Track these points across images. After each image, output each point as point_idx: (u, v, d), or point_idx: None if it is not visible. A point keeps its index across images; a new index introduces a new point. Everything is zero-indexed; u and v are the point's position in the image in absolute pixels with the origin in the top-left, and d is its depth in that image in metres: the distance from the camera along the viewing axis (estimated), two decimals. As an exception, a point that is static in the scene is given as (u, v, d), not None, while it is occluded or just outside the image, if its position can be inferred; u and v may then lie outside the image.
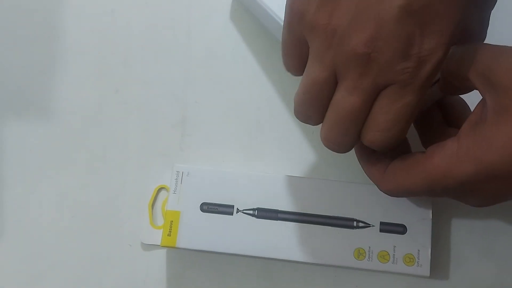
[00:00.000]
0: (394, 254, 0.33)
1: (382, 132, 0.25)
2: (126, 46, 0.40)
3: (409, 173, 0.26)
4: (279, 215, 0.34)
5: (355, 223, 0.34)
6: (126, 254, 0.37)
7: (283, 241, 0.34)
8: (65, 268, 0.37)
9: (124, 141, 0.39)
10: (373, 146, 0.26)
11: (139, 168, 0.38)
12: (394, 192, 0.28)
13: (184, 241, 0.34)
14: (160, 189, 0.38)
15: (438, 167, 0.25)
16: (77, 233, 0.38)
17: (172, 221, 0.34)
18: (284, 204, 0.34)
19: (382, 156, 0.29)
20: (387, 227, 0.34)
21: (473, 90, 0.26)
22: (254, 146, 0.39)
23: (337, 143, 0.27)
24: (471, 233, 0.37)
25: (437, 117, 0.31)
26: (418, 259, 0.33)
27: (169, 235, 0.34)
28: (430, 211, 0.34)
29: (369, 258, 0.33)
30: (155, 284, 0.37)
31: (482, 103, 0.25)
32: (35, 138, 0.39)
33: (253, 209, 0.34)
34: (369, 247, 0.34)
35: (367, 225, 0.34)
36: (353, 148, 0.29)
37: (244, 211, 0.34)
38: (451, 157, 0.24)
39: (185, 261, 0.37)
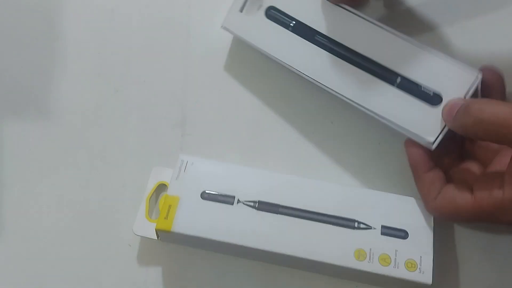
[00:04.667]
0: (395, 258, 0.33)
1: None
2: (126, 46, 0.40)
3: (458, 209, 0.31)
4: (280, 210, 0.34)
5: (356, 224, 0.34)
6: (125, 254, 0.37)
7: (282, 235, 0.33)
8: (65, 268, 0.37)
9: (124, 141, 0.39)
10: None
11: (139, 168, 0.38)
12: (438, 216, 0.33)
13: (180, 225, 0.33)
14: (160, 185, 0.38)
15: (486, 212, 0.30)
16: (76, 233, 0.38)
17: (170, 205, 0.34)
18: (285, 201, 0.34)
19: (437, 180, 0.33)
20: (388, 231, 0.33)
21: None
22: (254, 146, 0.39)
23: None
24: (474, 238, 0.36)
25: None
26: (420, 265, 0.32)
27: (165, 218, 0.33)
28: (432, 218, 0.33)
29: (369, 260, 0.33)
30: (154, 284, 0.37)
31: None
32: (35, 138, 0.39)
33: (254, 201, 0.34)
34: (370, 249, 0.33)
35: (368, 227, 0.34)
36: (413, 164, 0.34)
37: (245, 202, 0.34)
38: (497, 203, 0.30)
39: (185, 262, 0.37)
